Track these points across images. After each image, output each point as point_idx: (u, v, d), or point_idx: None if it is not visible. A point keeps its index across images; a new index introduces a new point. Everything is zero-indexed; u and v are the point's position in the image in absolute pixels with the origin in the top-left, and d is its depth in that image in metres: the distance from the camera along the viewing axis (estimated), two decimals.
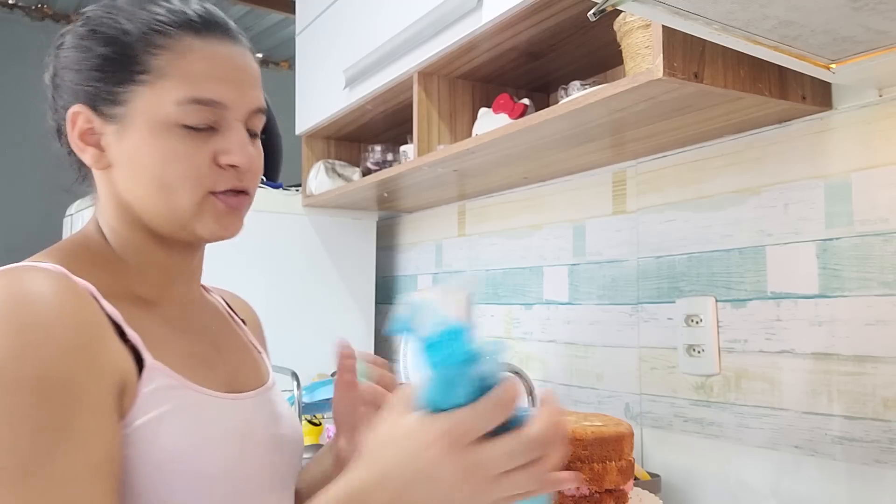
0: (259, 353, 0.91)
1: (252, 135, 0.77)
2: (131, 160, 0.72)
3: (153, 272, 0.76)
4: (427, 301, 0.57)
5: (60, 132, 0.77)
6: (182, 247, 0.77)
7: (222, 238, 0.76)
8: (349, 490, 0.58)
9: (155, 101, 0.70)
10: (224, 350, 0.81)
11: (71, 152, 0.77)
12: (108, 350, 0.64)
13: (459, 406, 0.54)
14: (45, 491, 0.57)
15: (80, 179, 0.80)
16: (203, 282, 0.93)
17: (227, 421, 0.72)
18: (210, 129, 0.72)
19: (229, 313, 0.91)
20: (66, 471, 0.58)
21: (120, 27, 0.72)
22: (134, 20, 0.72)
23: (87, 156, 0.74)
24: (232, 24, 0.77)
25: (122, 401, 0.64)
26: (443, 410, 0.55)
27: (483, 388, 0.55)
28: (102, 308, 0.66)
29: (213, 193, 0.73)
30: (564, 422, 0.59)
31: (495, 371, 0.56)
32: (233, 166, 0.72)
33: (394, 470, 0.56)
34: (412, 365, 0.58)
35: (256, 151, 0.76)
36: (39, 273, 0.64)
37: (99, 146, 0.73)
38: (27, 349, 0.59)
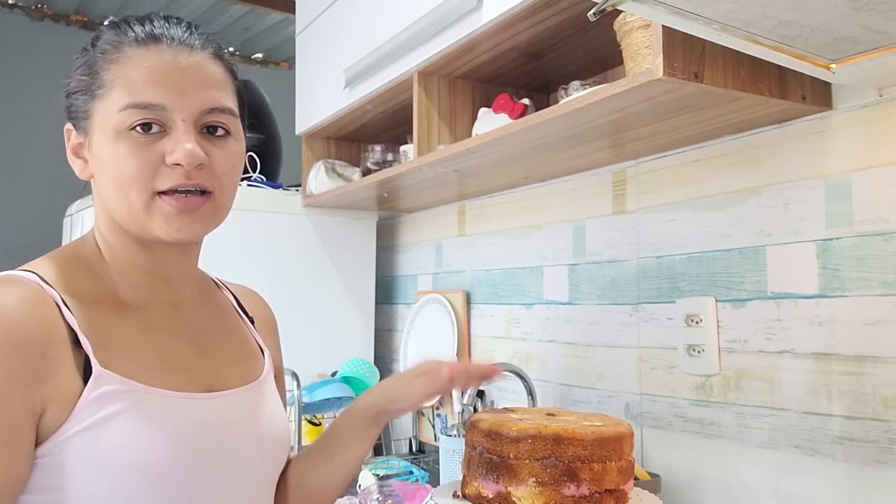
0: (261, 350, 0.92)
1: (216, 135, 0.78)
2: (99, 167, 0.78)
3: (137, 275, 0.81)
4: None
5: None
6: (161, 249, 0.81)
7: (179, 240, 0.77)
8: None
9: (106, 110, 0.76)
10: (210, 350, 0.84)
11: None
12: (47, 365, 0.68)
13: None
14: None
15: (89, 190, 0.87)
16: (215, 278, 0.96)
17: (183, 418, 0.74)
18: (161, 133, 0.75)
19: (237, 310, 0.93)
20: None
21: (89, 51, 0.79)
22: (98, 42, 0.79)
23: (76, 167, 0.81)
24: (191, 34, 0.80)
25: (53, 415, 0.68)
26: None
27: None
28: (62, 316, 0.71)
29: (161, 194, 0.75)
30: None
31: None
32: (177, 164, 0.74)
33: None
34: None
35: (219, 150, 0.78)
36: (8, 284, 0.70)
37: (84, 158, 0.80)
38: None
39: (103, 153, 0.76)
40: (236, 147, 0.81)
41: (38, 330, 0.69)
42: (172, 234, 0.76)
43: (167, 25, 0.78)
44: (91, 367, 0.70)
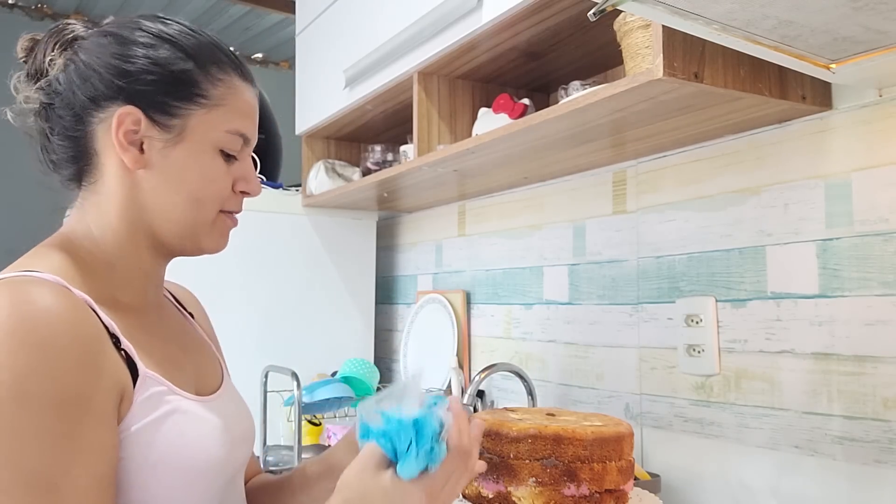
0: (211, 345, 0.94)
1: None
2: (172, 169, 0.77)
3: (137, 278, 0.80)
4: (378, 402, 0.70)
5: (69, 119, 0.78)
6: (167, 255, 0.83)
7: (216, 251, 0.83)
8: None
9: (209, 124, 0.78)
10: (189, 351, 0.86)
11: (70, 143, 0.78)
12: (109, 362, 0.68)
13: (420, 460, 0.68)
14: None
15: (64, 174, 0.81)
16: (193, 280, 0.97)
17: (210, 420, 0.78)
18: (234, 158, 0.81)
19: (179, 309, 0.94)
20: (76, 483, 0.62)
21: (182, 48, 0.78)
22: (198, 47, 0.79)
23: (126, 155, 0.76)
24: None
25: (120, 408, 0.69)
26: (407, 464, 0.68)
27: (437, 441, 0.69)
28: (100, 318, 0.69)
29: (223, 212, 0.82)
30: (467, 421, 0.73)
31: (443, 425, 0.69)
32: (245, 193, 0.83)
33: None
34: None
35: None
36: (42, 286, 0.66)
37: (140, 148, 0.77)
38: (40, 366, 0.62)
39: (187, 161, 0.77)
40: None
41: (89, 326, 0.67)
42: (219, 246, 0.83)
43: (244, 63, 0.85)
44: (136, 368, 0.71)
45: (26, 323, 0.62)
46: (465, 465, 0.71)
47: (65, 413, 0.62)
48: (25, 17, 3.41)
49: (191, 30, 0.80)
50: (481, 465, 0.76)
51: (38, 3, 3.40)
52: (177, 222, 0.78)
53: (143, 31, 0.78)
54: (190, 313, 0.95)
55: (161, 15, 0.81)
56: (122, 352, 0.70)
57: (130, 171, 0.77)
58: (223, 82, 0.79)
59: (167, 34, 0.78)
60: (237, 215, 0.84)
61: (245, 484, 0.93)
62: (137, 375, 0.70)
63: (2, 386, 0.60)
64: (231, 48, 0.83)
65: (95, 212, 0.79)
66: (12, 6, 3.39)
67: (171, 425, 0.72)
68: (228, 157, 0.80)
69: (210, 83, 0.78)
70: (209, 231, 0.80)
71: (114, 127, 0.75)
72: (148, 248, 0.80)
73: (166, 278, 0.93)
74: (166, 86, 0.76)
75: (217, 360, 0.92)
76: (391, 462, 0.69)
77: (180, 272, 0.97)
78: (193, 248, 0.81)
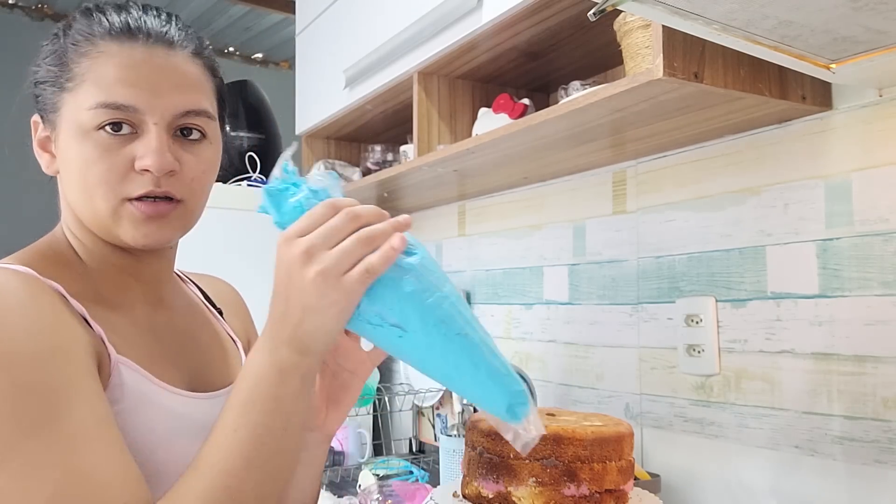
0: (234, 343, 0.91)
1: (189, 138, 0.75)
2: (64, 164, 0.75)
3: (113, 274, 0.78)
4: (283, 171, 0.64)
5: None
6: (134, 250, 0.77)
7: (146, 246, 0.75)
8: (267, 331, 0.63)
9: (75, 106, 0.72)
10: (190, 349, 0.83)
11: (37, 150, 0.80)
12: (81, 330, 0.67)
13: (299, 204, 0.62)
14: (59, 446, 0.60)
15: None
16: (189, 271, 0.94)
17: (189, 417, 0.74)
18: (131, 135, 0.72)
19: (205, 304, 0.92)
20: (76, 425, 0.61)
21: (60, 38, 0.75)
22: (70, 31, 0.74)
23: (42, 162, 0.77)
24: (169, 29, 0.76)
25: (101, 376, 0.67)
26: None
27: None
28: (70, 304, 0.69)
29: (130, 200, 0.72)
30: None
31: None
32: (146, 170, 0.71)
33: (280, 295, 0.61)
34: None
35: (191, 155, 0.75)
36: (9, 274, 0.67)
37: (51, 153, 0.77)
38: (14, 328, 0.62)
39: (70, 151, 0.72)
40: (210, 151, 0.78)
41: (56, 302, 0.67)
42: (140, 239, 0.73)
43: (144, 17, 0.74)
44: (108, 353, 0.69)
45: None
46: (344, 223, 0.60)
47: (49, 365, 0.62)
48: (25, 17, 3.41)
49: (93, 9, 0.75)
50: (399, 241, 0.61)
51: (39, 3, 3.40)
52: (87, 217, 0.75)
53: (57, 29, 0.77)
54: (219, 309, 0.93)
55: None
56: (96, 337, 0.69)
57: (57, 177, 0.78)
58: (87, 54, 0.72)
59: (63, 25, 0.76)
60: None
61: None
62: (110, 360, 0.69)
63: None
64: (124, 5, 0.76)
65: (63, 215, 0.80)
66: (12, 6, 3.39)
67: (142, 417, 0.70)
68: (113, 135, 0.71)
69: (74, 63, 0.72)
70: (115, 222, 0.73)
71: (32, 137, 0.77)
72: (106, 246, 0.77)
73: (200, 272, 0.93)
74: (45, 82, 0.75)
75: (235, 359, 0.89)
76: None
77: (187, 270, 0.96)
78: (117, 241, 0.75)
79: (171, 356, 0.79)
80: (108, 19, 0.73)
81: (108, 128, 0.71)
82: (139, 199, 0.72)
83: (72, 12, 0.78)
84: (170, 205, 0.74)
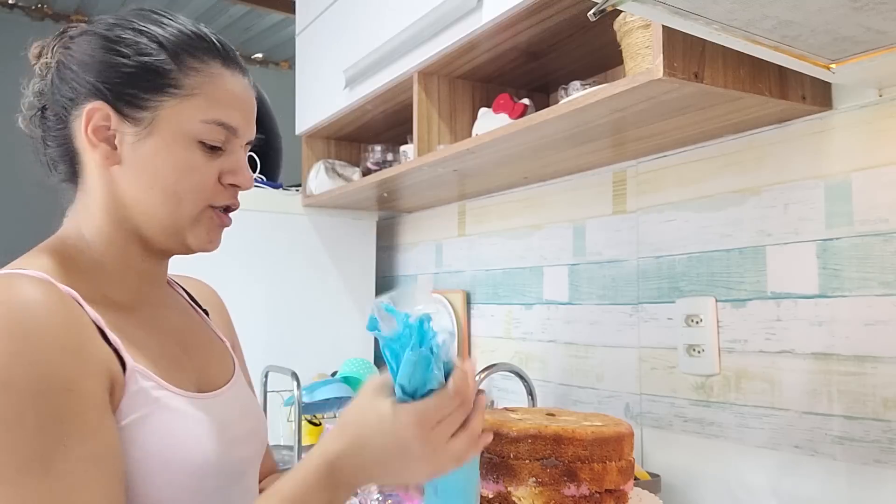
0: (223, 343, 0.93)
1: None
2: (145, 163, 0.76)
3: (129, 276, 0.79)
4: (391, 300, 0.69)
5: (53, 120, 0.79)
6: (160, 253, 0.81)
7: (205, 250, 0.81)
8: (326, 454, 0.68)
9: (182, 114, 0.76)
10: (191, 349, 0.84)
11: (57, 143, 0.79)
12: (96, 349, 0.67)
13: (421, 389, 0.67)
14: (52, 485, 0.60)
15: (59, 175, 0.82)
16: (171, 274, 0.95)
17: (204, 420, 0.76)
18: (219, 150, 0.78)
19: (192, 306, 0.93)
20: (71, 464, 0.61)
21: (155, 39, 0.76)
22: (167, 37, 0.77)
23: (97, 151, 0.76)
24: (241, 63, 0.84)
25: (113, 398, 0.68)
26: (408, 393, 0.68)
27: (443, 372, 0.68)
28: (86, 312, 0.69)
29: (211, 207, 0.79)
30: (473, 377, 0.71)
31: (450, 356, 0.69)
32: (234, 186, 0.79)
33: (370, 441, 0.67)
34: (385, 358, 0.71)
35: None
36: (26, 281, 0.67)
37: (111, 144, 0.76)
38: (24, 352, 0.62)
39: (159, 154, 0.75)
40: None
41: (73, 316, 0.67)
42: (207, 245, 0.80)
43: (232, 50, 0.81)
44: (124, 361, 0.70)
45: (12, 313, 0.63)
46: (462, 411, 0.68)
47: (52, 397, 0.62)
48: (25, 17, 3.41)
49: (172, 21, 0.79)
50: (487, 437, 0.72)
51: (39, 3, 3.40)
52: (156, 218, 0.77)
53: (122, 26, 0.77)
54: (205, 310, 0.94)
55: (152, 10, 0.80)
56: (111, 346, 0.69)
57: (107, 169, 0.77)
58: (199, 71, 0.77)
59: (142, 27, 0.77)
60: (234, 214, 0.83)
61: (259, 482, 0.92)
62: (126, 369, 0.70)
63: None
64: (221, 40, 0.81)
65: (83, 212, 0.79)
66: (12, 6, 3.39)
67: (158, 423, 0.71)
68: (212, 148, 0.77)
69: (182, 73, 0.76)
70: (192, 227, 0.78)
71: (83, 123, 0.75)
72: (136, 247, 0.79)
73: (183, 273, 0.92)
74: (134, 78, 0.75)
75: (228, 357, 0.91)
76: (391, 394, 0.69)
77: (180, 272, 0.96)
78: (179, 246, 0.79)
79: (178, 357, 0.80)
80: (206, 41, 0.79)
81: (210, 142, 0.77)
82: (218, 209, 0.80)
83: (133, 20, 0.78)
84: (229, 216, 0.83)
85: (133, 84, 0.75)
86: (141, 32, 0.77)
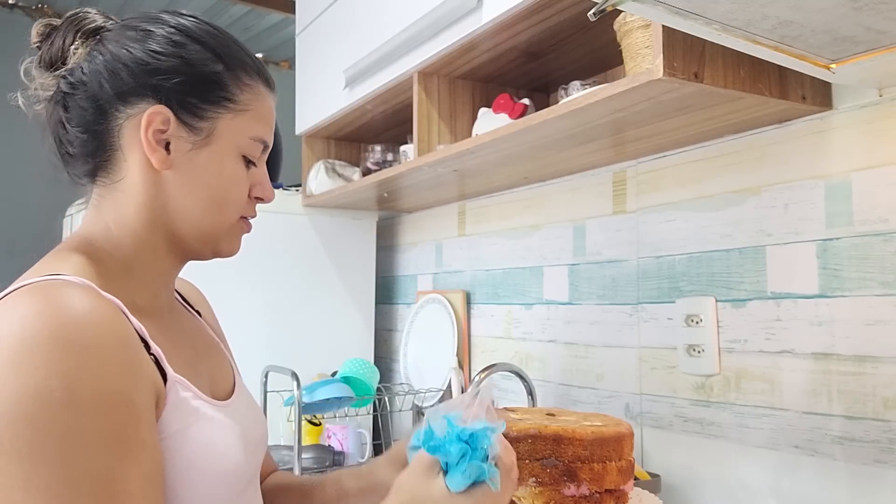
0: (220, 344, 0.93)
1: None
2: (198, 172, 0.76)
3: (153, 280, 0.79)
4: (440, 411, 0.72)
5: (91, 112, 0.75)
6: (183, 258, 0.82)
7: (231, 255, 0.84)
8: None
9: (236, 129, 0.78)
10: (201, 353, 0.84)
11: (92, 137, 0.75)
12: (144, 363, 0.67)
13: (469, 474, 0.69)
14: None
15: (77, 169, 0.78)
16: (194, 281, 0.96)
17: (235, 427, 0.77)
18: (253, 165, 0.81)
19: (188, 308, 0.93)
20: (130, 483, 0.60)
21: (213, 50, 0.77)
22: (226, 49, 0.79)
23: (154, 155, 0.75)
24: None
25: (156, 411, 0.67)
26: (455, 476, 0.69)
27: (486, 459, 0.70)
28: (130, 322, 0.68)
29: (244, 218, 0.83)
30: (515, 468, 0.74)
31: (495, 447, 0.71)
32: (259, 199, 0.83)
33: None
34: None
35: None
36: (74, 289, 0.64)
37: (167, 149, 0.75)
38: (85, 367, 0.60)
39: (212, 164, 0.77)
40: None
41: (125, 327, 0.66)
42: (234, 251, 0.83)
43: (266, 70, 0.84)
44: (164, 372, 0.69)
45: (68, 326, 0.60)
46: (511, 483, 0.72)
47: (114, 414, 0.60)
48: (26, 17, 3.41)
49: (216, 30, 0.79)
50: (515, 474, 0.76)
51: (39, 3, 3.40)
52: (198, 225, 0.78)
53: (172, 27, 0.76)
54: (197, 311, 0.94)
55: (184, 12, 0.80)
56: (152, 356, 0.69)
57: (155, 171, 0.75)
58: (250, 88, 0.79)
59: (196, 33, 0.77)
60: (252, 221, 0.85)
61: (260, 482, 0.92)
62: (166, 380, 0.69)
63: (52, 391, 0.58)
64: (251, 54, 0.82)
65: (114, 211, 0.77)
66: (12, 6, 3.39)
67: (198, 431, 0.71)
68: (249, 162, 0.80)
69: (238, 87, 0.78)
70: (227, 235, 0.81)
71: (143, 126, 0.73)
72: (166, 250, 0.78)
73: (183, 273, 0.93)
74: (197, 87, 0.75)
75: (228, 361, 0.91)
76: (441, 470, 0.70)
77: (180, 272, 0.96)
78: (210, 252, 0.81)
79: (194, 363, 0.80)
80: (254, 62, 0.81)
81: (250, 157, 0.80)
82: (246, 218, 0.83)
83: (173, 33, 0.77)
84: None
85: (194, 93, 0.75)
86: (196, 39, 0.76)
